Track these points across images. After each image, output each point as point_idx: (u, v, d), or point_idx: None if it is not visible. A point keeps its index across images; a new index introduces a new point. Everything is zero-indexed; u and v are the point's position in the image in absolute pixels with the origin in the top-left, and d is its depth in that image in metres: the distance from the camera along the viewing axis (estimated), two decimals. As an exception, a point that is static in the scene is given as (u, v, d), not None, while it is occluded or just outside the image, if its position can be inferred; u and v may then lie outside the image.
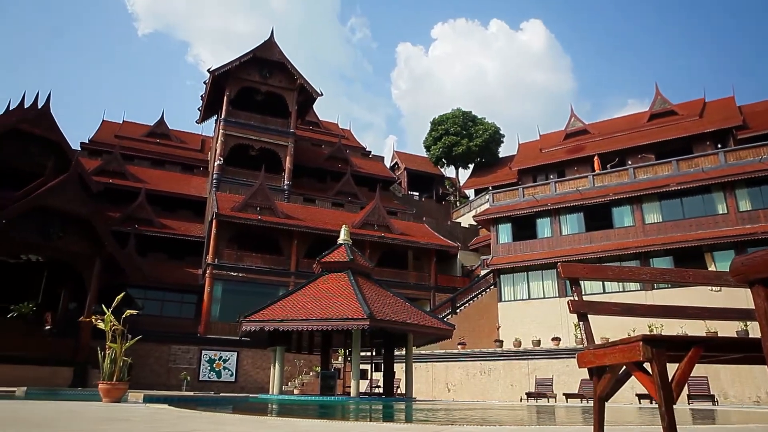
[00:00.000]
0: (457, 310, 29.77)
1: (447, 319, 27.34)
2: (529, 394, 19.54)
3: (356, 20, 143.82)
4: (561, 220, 29.49)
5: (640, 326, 18.29)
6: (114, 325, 8.03)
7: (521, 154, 46.65)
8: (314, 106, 42.02)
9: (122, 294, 10.03)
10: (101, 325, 8.22)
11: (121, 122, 44.06)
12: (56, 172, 24.40)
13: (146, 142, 41.20)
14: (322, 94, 38.65)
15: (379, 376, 19.35)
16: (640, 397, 16.84)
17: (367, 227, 33.68)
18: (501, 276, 29.87)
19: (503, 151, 53.36)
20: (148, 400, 8.19)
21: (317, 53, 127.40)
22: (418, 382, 22.37)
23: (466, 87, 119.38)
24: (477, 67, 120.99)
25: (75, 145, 34.22)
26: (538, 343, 22.49)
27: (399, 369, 19.71)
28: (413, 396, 18.42)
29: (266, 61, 37.37)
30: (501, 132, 53.01)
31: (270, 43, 37.81)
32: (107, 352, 8.06)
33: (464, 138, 51.10)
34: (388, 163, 51.74)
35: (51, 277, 25.40)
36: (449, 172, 56.09)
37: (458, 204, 50.13)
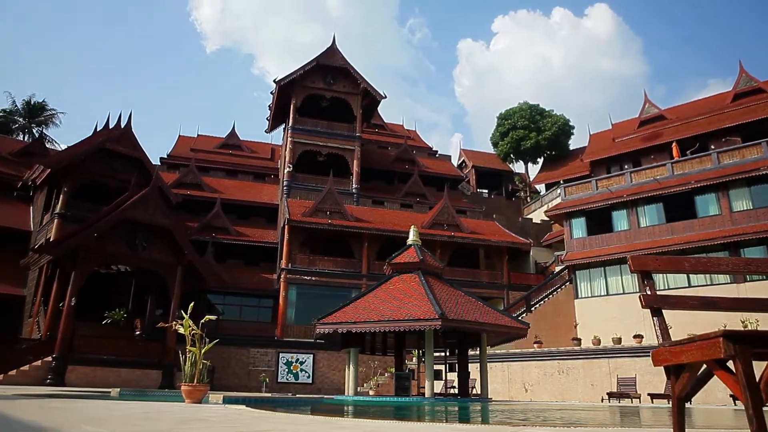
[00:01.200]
0: (532, 308, 29.07)
1: (521, 317, 26.73)
2: (610, 395, 18.75)
3: (415, 21, 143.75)
4: (639, 211, 28.17)
5: (732, 322, 17.17)
6: (193, 329, 8.39)
7: (593, 145, 44.99)
8: (379, 108, 42.31)
9: (199, 300, 10.45)
10: (181, 330, 8.59)
11: (195, 136, 46.08)
12: (139, 186, 25.84)
13: (219, 154, 42.89)
14: (385, 97, 38.86)
15: (453, 377, 19.18)
16: (735, 398, 15.79)
17: (436, 227, 33.52)
18: (576, 272, 28.90)
19: (573, 143, 51.66)
20: (227, 401, 8.50)
21: (379, 57, 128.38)
22: (494, 382, 22.01)
23: (532, 79, 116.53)
24: (541, 59, 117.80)
25: (155, 160, 36.21)
26: (619, 340, 21.55)
27: (474, 369, 19.44)
28: (489, 396, 18.12)
29: (329, 67, 38.01)
30: (570, 123, 51.34)
31: (332, 50, 38.43)
32: (188, 356, 8.43)
33: (532, 132, 49.86)
34: (455, 162, 51.34)
35: (139, 286, 26.94)
36: (518, 167, 54.95)
37: (529, 200, 48.98)
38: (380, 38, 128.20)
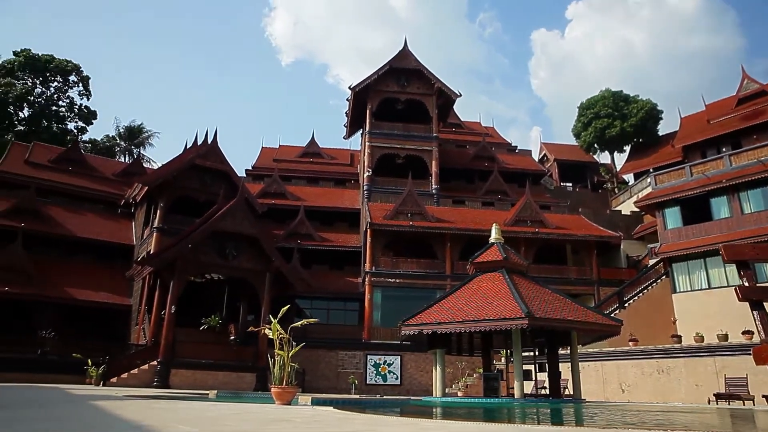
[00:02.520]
0: (625, 305, 27.68)
1: (614, 314, 25.53)
2: (718, 396, 17.46)
3: (485, 15, 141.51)
4: (741, 197, 26.11)
5: None
6: (280, 333, 8.66)
7: (684, 129, 42.26)
8: (454, 107, 42.00)
9: (288, 306, 10.79)
10: (270, 334, 8.90)
11: (277, 147, 47.75)
12: (227, 198, 27.09)
13: (301, 163, 44.19)
14: (460, 95, 38.53)
15: (544, 377, 18.61)
16: None
17: (519, 224, 32.76)
18: (673, 264, 27.22)
19: (663, 129, 48.70)
20: (315, 402, 8.71)
21: (451, 55, 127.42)
22: (587, 383, 21.14)
23: (613, 65, 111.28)
24: (622, 42, 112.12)
25: (240, 173, 37.85)
26: (725, 337, 20.02)
27: (565, 369, 18.76)
28: (582, 397, 17.42)
29: (403, 70, 38.19)
30: (658, 108, 48.45)
31: (404, 53, 38.60)
32: (276, 359, 8.71)
33: (617, 120, 47.54)
34: (535, 157, 49.98)
35: (231, 293, 28.23)
36: (603, 158, 52.62)
37: (616, 191, 46.75)
38: (451, 36, 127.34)
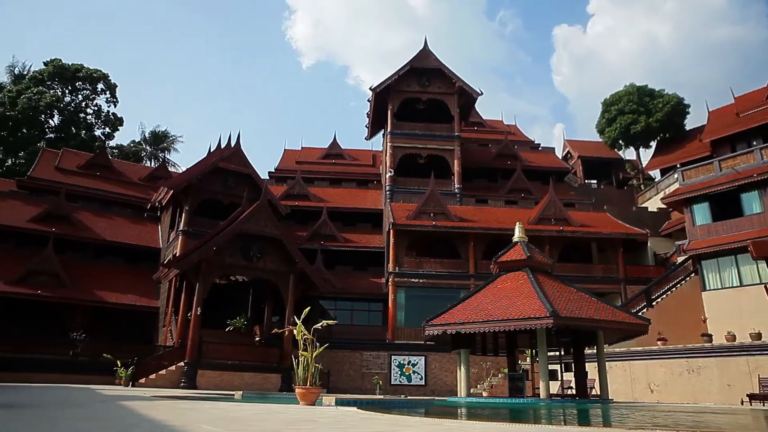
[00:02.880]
0: (653, 303, 27.18)
1: (642, 313, 25.10)
2: (752, 396, 17.05)
3: (505, 13, 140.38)
4: (773, 191, 25.43)
5: None
6: (304, 334, 8.71)
7: (713, 123, 41.32)
8: (476, 106, 41.71)
9: (311, 307, 10.85)
10: (295, 335, 8.96)
11: (300, 149, 48.01)
12: (250, 201, 27.36)
13: (323, 164, 44.34)
14: (482, 93, 38.29)
15: (570, 377, 18.38)
16: None
17: (543, 222, 32.42)
18: (702, 262, 26.63)
19: (690, 123, 47.62)
20: (339, 403, 8.73)
21: (471, 54, 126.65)
22: (615, 383, 20.84)
23: (637, 60, 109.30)
24: (646, 36, 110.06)
25: (263, 175, 38.18)
26: (759, 336, 19.51)
27: (592, 368, 18.50)
28: (610, 397, 17.16)
29: (423, 69, 38.11)
30: (685, 102, 47.41)
31: (425, 52, 38.50)
32: (300, 360, 8.76)
33: (642, 115, 46.66)
34: (559, 154, 49.35)
35: (256, 294, 28.50)
36: (628, 154, 51.67)
37: (642, 187, 45.91)
38: (470, 35, 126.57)
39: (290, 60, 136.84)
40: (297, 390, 8.71)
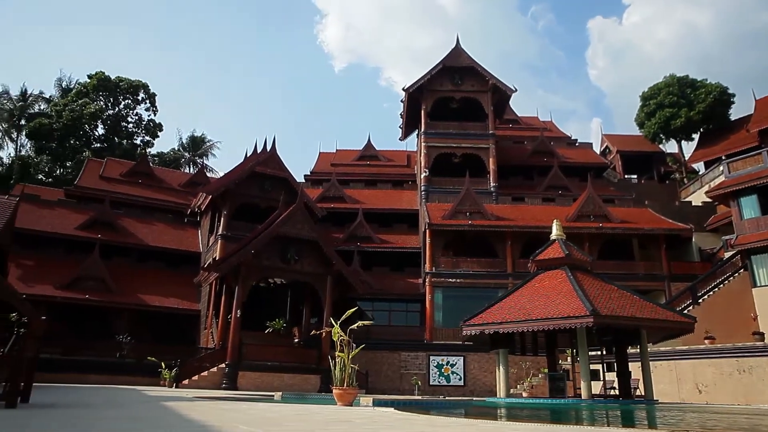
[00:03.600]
0: (699, 300, 26.32)
1: (687, 310, 24.36)
2: (807, 395, 16.34)
3: (537, 8, 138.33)
4: (826, 182, 24.32)
5: None
6: (341, 336, 8.77)
7: (760, 112, 39.72)
8: (510, 103, 41.24)
9: (349, 307, 10.91)
10: (333, 336, 9.03)
11: (334, 151, 48.36)
12: (287, 204, 27.68)
13: (358, 166, 44.54)
14: (515, 90, 37.81)
15: (613, 377, 17.96)
16: None
17: (582, 219, 31.80)
18: (752, 257, 25.65)
19: (735, 113, 45.83)
20: (376, 403, 8.75)
21: (504, 50, 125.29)
22: (660, 383, 20.25)
23: (676, 49, 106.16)
24: (686, 25, 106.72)
25: (299, 178, 38.57)
26: (814, 333, 18.71)
27: (635, 368, 18.03)
28: (654, 398, 16.70)
29: (456, 68, 37.89)
30: (729, 92, 45.75)
31: (457, 51, 38.28)
32: (337, 361, 8.82)
33: (683, 107, 45.18)
34: (597, 149, 48.31)
35: (294, 296, 28.83)
36: (670, 147, 50.17)
37: (686, 181, 44.53)
38: (503, 31, 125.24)
39: (322, 63, 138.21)
40: (334, 391, 8.78)
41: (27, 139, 54.19)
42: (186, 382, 22.74)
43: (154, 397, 9.63)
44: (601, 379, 18.43)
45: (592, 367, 16.69)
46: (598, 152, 47.16)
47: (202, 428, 3.97)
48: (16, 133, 55.33)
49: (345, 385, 8.58)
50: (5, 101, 55.15)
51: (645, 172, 48.70)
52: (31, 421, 4.49)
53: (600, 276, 18.54)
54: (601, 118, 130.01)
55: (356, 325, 9.21)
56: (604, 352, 18.54)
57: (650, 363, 17.19)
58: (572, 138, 47.12)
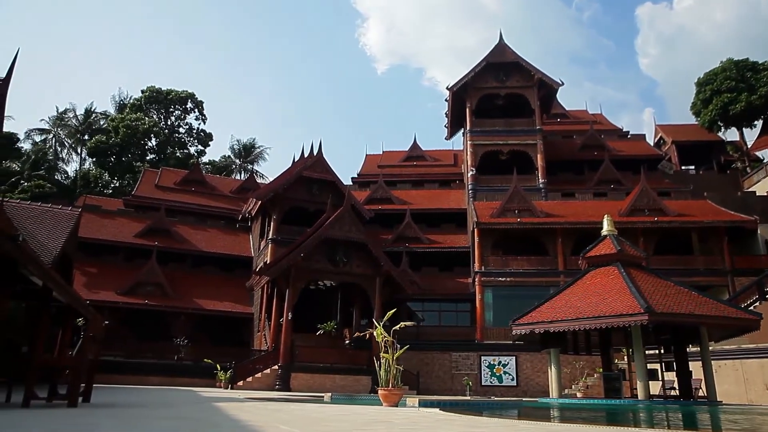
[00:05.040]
0: (767, 296, 25.00)
1: (754, 307, 23.16)
2: None
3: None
4: None
5: None
6: (384, 337, 8.79)
7: (830, 96, 37.49)
8: (557, 97, 40.42)
9: (394, 309, 10.95)
10: (376, 337, 9.07)
11: (381, 153, 48.55)
12: (334, 207, 27.96)
13: (404, 167, 44.58)
14: (562, 84, 36.99)
15: (672, 377, 17.30)
16: None
17: (636, 214, 30.75)
18: (823, 249, 24.20)
19: (803, 96, 43.37)
20: (422, 404, 8.72)
21: (549, 44, 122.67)
22: (724, 383, 19.35)
23: (735, 32, 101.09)
24: (745, 5, 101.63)
25: (346, 181, 38.88)
26: None
27: (697, 368, 17.31)
28: (718, 399, 15.97)
29: (500, 64, 37.39)
30: (795, 74, 43.31)
31: (500, 47, 37.78)
32: (382, 362, 8.85)
33: (742, 92, 43.04)
34: (650, 141, 46.64)
35: (344, 298, 29.07)
36: (730, 135, 47.88)
37: (748, 170, 42.39)
38: (547, 24, 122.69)
39: (366, 66, 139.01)
40: (380, 392, 8.81)
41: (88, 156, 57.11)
42: (241, 383, 23.31)
43: (206, 398, 9.92)
44: (660, 379, 17.79)
45: (650, 366, 16.13)
46: (651, 144, 45.55)
47: (244, 427, 4.08)
48: (80, 148, 58.29)
49: (390, 385, 8.60)
50: (72, 118, 58.27)
51: (703, 163, 46.68)
52: (83, 419, 4.72)
53: (656, 272, 17.91)
54: (653, 108, 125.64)
55: (398, 326, 9.21)
56: (662, 351, 17.89)
57: (713, 362, 16.49)
58: (624, 130, 45.73)
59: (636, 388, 15.56)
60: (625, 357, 20.68)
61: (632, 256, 17.20)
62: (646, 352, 15.80)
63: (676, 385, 16.80)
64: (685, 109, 52.98)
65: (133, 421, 4.57)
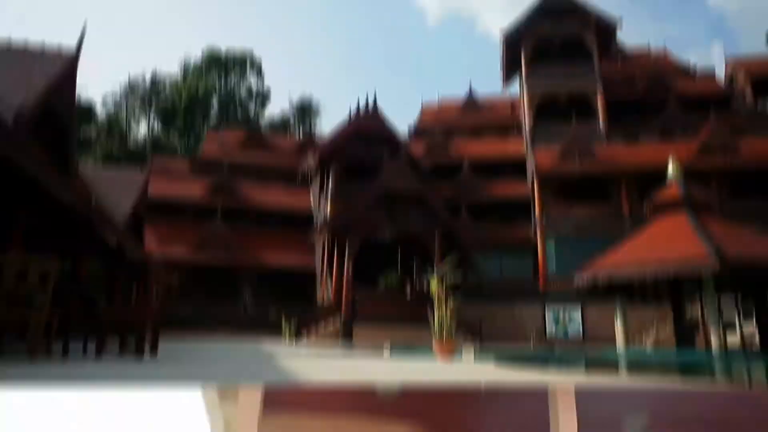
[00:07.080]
0: None
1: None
2: None
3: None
4: None
5: None
6: (440, 290, 8.68)
7: None
8: (617, 37, 37.86)
9: (460, 260, 10.75)
10: (431, 290, 8.98)
11: (436, 103, 47.48)
12: (391, 159, 27.75)
13: (461, 117, 43.52)
14: (622, 23, 34.59)
15: (751, 328, 16.43)
16: None
17: (707, 155, 28.79)
18: None
19: None
20: (479, 357, 8.63)
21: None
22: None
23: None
24: None
25: (403, 132, 38.42)
26: None
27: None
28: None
29: (555, 7, 35.35)
30: None
31: (556, -13, 35.63)
32: (435, 314, 8.77)
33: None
34: (721, 77, 43.20)
35: (404, 251, 29.15)
36: (818, 64, 43.56)
37: (841, 103, 38.73)
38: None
39: (417, 19, 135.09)
40: (434, 345, 8.77)
41: (156, 119, 59.29)
42: (304, 338, 24.02)
43: (266, 352, 10.21)
44: (738, 330, 16.95)
45: (726, 316, 15.35)
46: (722, 80, 42.22)
47: (282, 374, 4.10)
48: (149, 112, 60.56)
49: (444, 339, 8.54)
50: (140, 84, 60.47)
51: (786, 98, 42.94)
52: (146, 366, 4.91)
53: (729, 217, 16.82)
54: (723, 41, 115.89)
55: (452, 278, 9.08)
56: (741, 300, 16.98)
57: (795, 311, 15.46)
58: (690, 67, 42.48)
59: (711, 340, 14.87)
60: (699, 306, 19.79)
61: (702, 200, 16.18)
62: (722, 300, 14.99)
63: (756, 336, 15.94)
64: (760, 39, 48.52)
65: (189, 368, 4.69)
